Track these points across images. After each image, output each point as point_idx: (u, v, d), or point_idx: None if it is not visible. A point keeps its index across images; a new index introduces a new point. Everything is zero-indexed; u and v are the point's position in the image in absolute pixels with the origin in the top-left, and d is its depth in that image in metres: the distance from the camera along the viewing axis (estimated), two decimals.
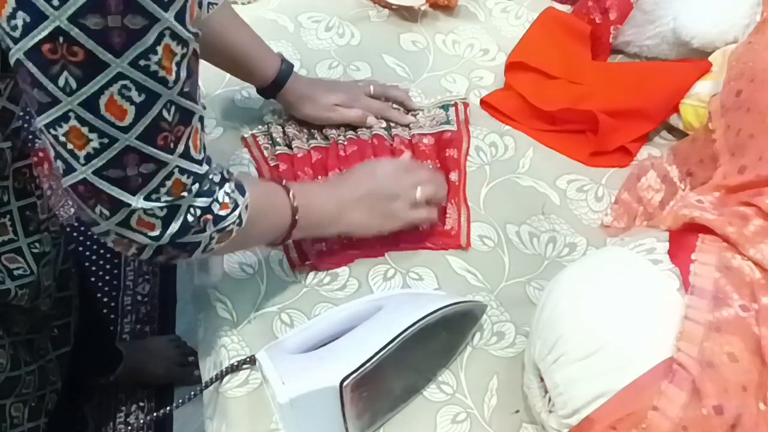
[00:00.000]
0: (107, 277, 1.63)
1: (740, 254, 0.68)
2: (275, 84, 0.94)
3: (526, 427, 0.77)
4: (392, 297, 0.80)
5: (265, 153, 0.96)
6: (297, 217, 0.75)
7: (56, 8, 0.47)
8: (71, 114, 0.53)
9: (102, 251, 1.67)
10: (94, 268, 1.63)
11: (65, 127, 0.54)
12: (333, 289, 0.85)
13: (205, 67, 0.99)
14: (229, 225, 0.65)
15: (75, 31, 0.48)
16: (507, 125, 1.05)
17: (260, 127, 0.99)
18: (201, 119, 0.60)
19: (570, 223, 0.95)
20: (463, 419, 0.77)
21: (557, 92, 1.07)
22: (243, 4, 1.15)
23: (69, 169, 0.57)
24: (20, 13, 0.48)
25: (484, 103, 1.07)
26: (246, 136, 0.98)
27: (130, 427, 0.97)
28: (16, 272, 0.78)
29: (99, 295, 1.60)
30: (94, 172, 0.56)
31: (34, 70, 0.51)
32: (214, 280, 0.85)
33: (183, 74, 0.55)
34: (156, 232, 0.61)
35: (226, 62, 0.93)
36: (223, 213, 0.64)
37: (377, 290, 0.85)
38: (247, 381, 0.77)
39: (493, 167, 0.99)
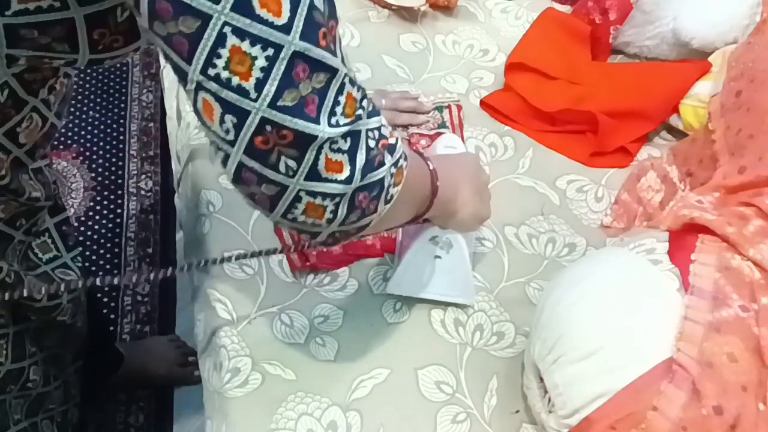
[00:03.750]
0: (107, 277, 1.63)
1: (740, 254, 0.68)
2: None
3: (526, 427, 0.77)
4: None
5: None
6: (438, 184, 0.68)
7: None
8: (227, 29, 0.46)
9: (102, 251, 1.67)
10: (94, 268, 1.63)
11: (225, 54, 0.47)
12: (333, 289, 0.85)
13: None
14: (400, 157, 0.58)
15: None
16: (507, 126, 1.05)
17: None
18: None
19: (570, 223, 0.95)
20: (463, 419, 0.77)
21: (557, 93, 1.07)
22: None
23: (242, 117, 0.49)
24: None
25: (484, 104, 1.07)
26: None
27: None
28: (71, 285, 0.79)
29: (99, 295, 1.60)
30: (270, 104, 0.48)
31: None
32: (214, 280, 0.85)
33: None
34: (346, 173, 0.53)
35: None
36: (392, 141, 0.57)
37: (377, 290, 0.85)
38: (247, 381, 0.77)
39: (492, 168, 0.99)
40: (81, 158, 1.79)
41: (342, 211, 0.55)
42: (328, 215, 0.54)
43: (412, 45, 1.14)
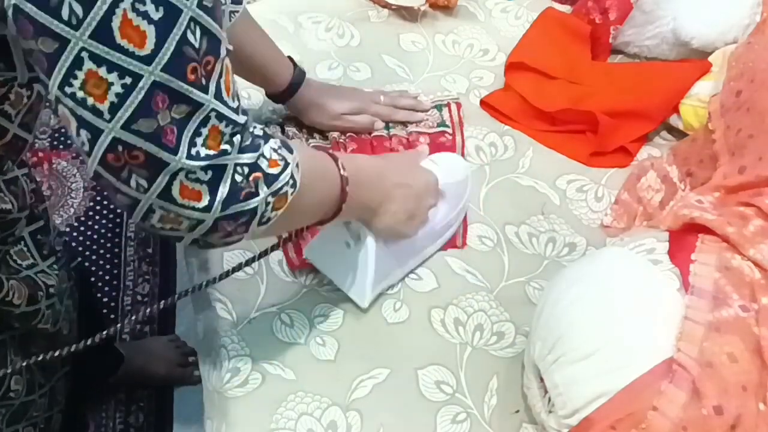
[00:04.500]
0: (107, 277, 1.63)
1: (740, 254, 0.68)
2: (286, 92, 0.95)
3: (526, 427, 0.77)
4: None
5: None
6: (347, 189, 0.68)
7: None
8: (84, 54, 0.47)
9: (102, 251, 1.67)
10: (94, 268, 1.63)
11: (81, 76, 0.47)
12: (333, 289, 0.85)
13: None
14: (282, 186, 0.58)
15: None
16: (507, 125, 1.05)
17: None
18: (227, 55, 0.53)
19: (570, 223, 0.95)
20: (463, 419, 0.77)
21: (557, 92, 1.07)
22: None
23: (95, 134, 0.50)
24: None
25: (484, 104, 1.07)
26: None
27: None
28: (50, 290, 0.79)
29: (99, 295, 1.60)
30: (123, 127, 0.49)
31: (33, 10, 0.45)
32: None
33: None
34: (204, 202, 0.53)
35: (242, 71, 0.93)
36: (273, 171, 0.57)
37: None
38: (247, 381, 0.77)
39: (492, 167, 0.99)
40: (81, 158, 1.80)
41: (201, 230, 0.56)
42: (187, 225, 0.55)
43: (412, 45, 1.14)
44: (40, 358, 0.71)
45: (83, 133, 0.50)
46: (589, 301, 0.69)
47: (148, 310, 0.70)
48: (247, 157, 0.55)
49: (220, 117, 0.52)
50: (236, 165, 0.54)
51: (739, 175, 0.78)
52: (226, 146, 0.53)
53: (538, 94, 1.06)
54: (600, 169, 1.02)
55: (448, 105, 1.04)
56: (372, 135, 0.98)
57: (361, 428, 0.75)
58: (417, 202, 0.79)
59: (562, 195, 0.98)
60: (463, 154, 0.99)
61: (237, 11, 0.85)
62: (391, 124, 1.00)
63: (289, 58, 0.95)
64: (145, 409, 1.45)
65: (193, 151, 0.51)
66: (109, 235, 1.69)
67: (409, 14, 1.18)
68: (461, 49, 1.14)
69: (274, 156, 0.58)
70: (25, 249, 0.77)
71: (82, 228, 1.69)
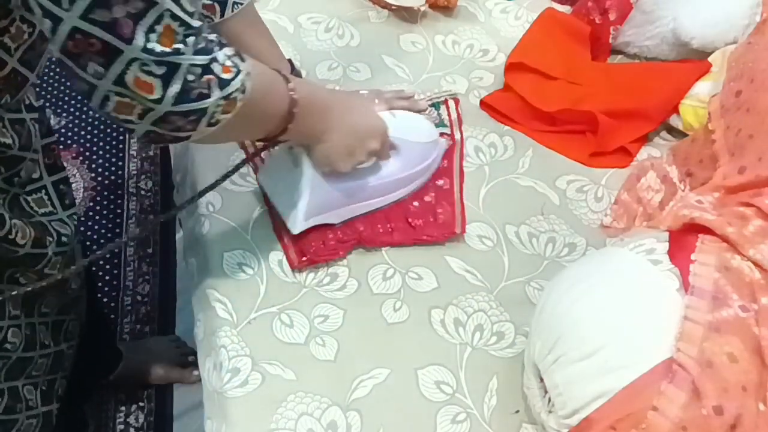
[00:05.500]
0: (107, 277, 1.63)
1: (740, 254, 0.68)
2: None
3: (526, 427, 0.77)
4: None
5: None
6: (295, 111, 0.72)
7: None
8: None
9: None
10: (94, 268, 1.63)
11: None
12: (333, 289, 0.85)
13: None
14: (233, 91, 0.62)
15: None
16: (507, 126, 1.05)
17: None
18: None
19: (569, 223, 0.95)
20: (463, 419, 0.77)
21: (557, 93, 1.07)
22: None
23: (56, 22, 0.54)
24: None
25: (484, 104, 1.07)
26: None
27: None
28: (62, 239, 0.80)
29: (99, 295, 1.60)
30: (81, 16, 0.53)
31: None
32: (214, 280, 0.85)
33: None
34: (156, 95, 0.58)
35: None
36: (226, 76, 0.61)
37: (377, 290, 0.85)
38: (247, 381, 0.77)
39: (492, 167, 0.99)
40: (81, 158, 1.80)
41: (152, 118, 0.60)
42: (139, 114, 0.59)
43: (411, 45, 1.14)
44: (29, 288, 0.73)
45: (46, 21, 0.55)
46: (589, 301, 0.69)
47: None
48: (200, 59, 0.59)
49: (174, 17, 0.56)
50: (190, 65, 0.58)
51: (739, 175, 0.78)
52: (180, 45, 0.57)
53: (537, 94, 1.06)
54: (600, 169, 1.02)
55: (445, 102, 1.04)
56: None
57: (361, 428, 0.75)
58: (358, 141, 0.82)
59: (562, 195, 0.98)
60: (462, 152, 0.99)
61: (241, 3, 0.85)
62: None
63: (289, 60, 0.95)
64: (145, 409, 1.46)
65: (149, 45, 0.55)
66: (109, 235, 1.69)
67: (409, 15, 1.18)
68: (461, 50, 1.15)
69: (228, 63, 0.62)
70: (45, 198, 0.78)
71: (82, 228, 1.69)
